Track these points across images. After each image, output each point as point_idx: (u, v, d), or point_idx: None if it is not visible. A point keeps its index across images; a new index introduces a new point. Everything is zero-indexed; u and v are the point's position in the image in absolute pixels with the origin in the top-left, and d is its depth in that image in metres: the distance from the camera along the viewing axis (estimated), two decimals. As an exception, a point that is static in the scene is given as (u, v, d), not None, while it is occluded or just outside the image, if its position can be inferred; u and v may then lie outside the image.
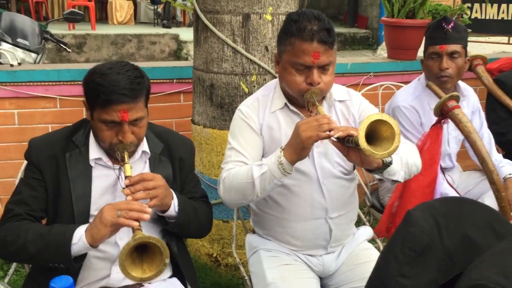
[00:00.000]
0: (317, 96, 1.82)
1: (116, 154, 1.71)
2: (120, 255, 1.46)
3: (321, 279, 2.06)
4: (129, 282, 1.75)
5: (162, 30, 10.50)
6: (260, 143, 1.94)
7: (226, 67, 2.65)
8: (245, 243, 2.17)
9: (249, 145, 1.92)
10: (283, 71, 1.89)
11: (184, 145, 1.99)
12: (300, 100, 1.88)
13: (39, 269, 1.77)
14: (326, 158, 1.94)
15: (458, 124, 2.42)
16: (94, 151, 1.80)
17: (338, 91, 2.02)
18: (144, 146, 1.86)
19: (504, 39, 6.52)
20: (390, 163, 1.77)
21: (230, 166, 1.90)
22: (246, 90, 2.64)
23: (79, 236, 1.61)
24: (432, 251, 1.41)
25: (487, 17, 6.03)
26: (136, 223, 1.55)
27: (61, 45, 4.29)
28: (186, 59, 9.36)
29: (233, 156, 1.92)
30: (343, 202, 2.00)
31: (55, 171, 1.77)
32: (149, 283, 1.79)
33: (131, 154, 1.76)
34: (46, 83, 3.24)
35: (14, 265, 2.05)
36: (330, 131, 1.67)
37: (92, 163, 1.80)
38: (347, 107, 2.01)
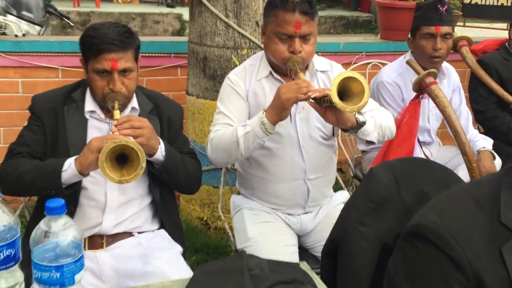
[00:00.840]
0: (299, 64, 1.97)
1: (108, 104, 1.88)
2: (99, 156, 1.61)
3: (299, 236, 2.23)
4: (120, 229, 1.94)
5: (165, 10, 10.55)
6: (246, 108, 2.10)
7: (218, 40, 2.81)
8: (230, 203, 2.34)
9: (236, 109, 2.08)
10: (268, 41, 2.04)
11: (173, 106, 2.14)
12: (284, 68, 2.03)
13: (40, 212, 1.94)
14: (307, 123, 2.10)
15: (435, 98, 2.57)
16: (89, 105, 1.97)
17: (320, 62, 2.17)
18: (134, 102, 2.01)
19: (503, 25, 6.60)
20: (364, 123, 1.92)
21: (218, 127, 2.06)
22: (237, 63, 2.80)
23: (69, 164, 1.78)
24: (390, 204, 1.58)
25: (487, 3, 6.08)
26: None
27: (64, 19, 4.44)
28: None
29: (220, 119, 2.09)
30: (321, 165, 2.16)
31: (54, 121, 1.94)
32: (139, 232, 1.97)
33: (121, 108, 1.91)
34: (49, 54, 3.40)
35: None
36: (311, 96, 1.83)
37: (87, 116, 1.96)
38: (328, 77, 2.16)
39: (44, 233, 1.04)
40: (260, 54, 2.19)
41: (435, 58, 2.75)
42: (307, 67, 2.12)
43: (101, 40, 1.84)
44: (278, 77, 2.10)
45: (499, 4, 5.93)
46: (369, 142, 2.07)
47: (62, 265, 1.04)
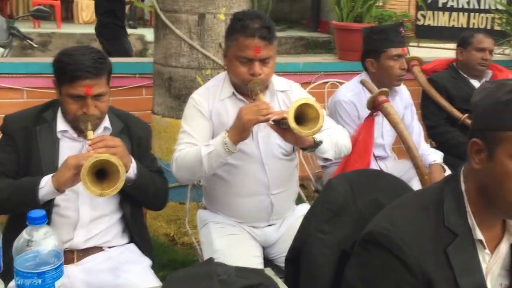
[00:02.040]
0: (259, 86, 2.10)
1: (80, 125, 1.95)
2: (82, 170, 1.69)
3: (264, 248, 2.33)
4: (90, 244, 2.01)
5: (128, 31, 10.57)
6: (209, 127, 2.20)
7: (183, 61, 2.92)
8: (197, 217, 2.42)
9: (199, 128, 2.18)
10: (230, 64, 2.16)
11: (142, 125, 2.23)
12: (245, 89, 2.15)
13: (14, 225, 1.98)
14: (268, 141, 2.21)
15: (387, 116, 2.73)
16: (61, 125, 2.03)
17: (279, 82, 2.30)
18: (106, 122, 2.09)
19: (454, 45, 6.90)
20: (321, 142, 2.06)
21: (182, 147, 2.16)
22: (202, 83, 2.90)
23: (46, 181, 1.84)
24: (347, 212, 1.70)
25: (439, 24, 6.33)
26: None
27: (28, 40, 4.47)
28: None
29: (185, 138, 2.19)
30: (283, 180, 2.27)
31: (27, 141, 1.99)
32: (108, 246, 2.04)
33: (94, 128, 1.98)
34: (14, 75, 3.43)
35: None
36: (271, 118, 1.96)
37: (59, 135, 2.02)
38: (288, 96, 2.28)
39: (26, 242, 1.11)
40: (223, 75, 2.30)
41: (402, 77, 2.94)
42: (267, 87, 2.24)
43: (75, 67, 1.90)
44: (241, 97, 2.21)
45: (451, 25, 6.20)
46: (326, 159, 2.21)
47: (44, 271, 1.11)
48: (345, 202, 1.71)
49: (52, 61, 2.01)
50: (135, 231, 2.13)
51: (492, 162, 1.27)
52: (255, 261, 2.18)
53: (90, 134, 1.92)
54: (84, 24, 11.52)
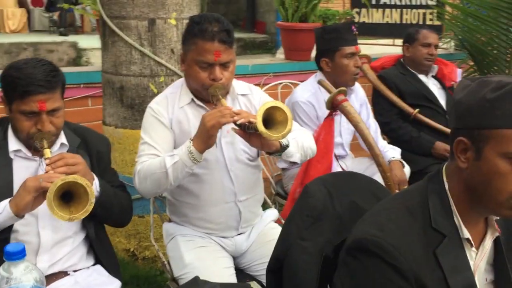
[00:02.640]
0: (220, 90, 2.04)
1: (35, 143, 1.82)
2: (47, 195, 1.56)
3: (234, 258, 2.27)
4: (55, 270, 1.88)
5: (59, 38, 10.26)
6: (170, 137, 2.11)
7: (134, 69, 2.80)
8: (163, 231, 2.33)
9: (161, 138, 2.09)
10: (188, 69, 2.08)
11: (100, 139, 2.12)
12: (205, 95, 2.08)
13: None
14: (232, 146, 2.16)
15: (347, 115, 2.73)
16: (13, 144, 1.89)
17: (240, 86, 2.25)
18: (62, 138, 1.96)
19: (390, 41, 7.11)
20: (287, 146, 2.02)
21: (144, 158, 2.06)
22: (155, 90, 2.80)
23: (3, 206, 1.69)
24: (326, 216, 1.67)
25: (374, 21, 6.48)
26: None
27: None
28: (86, 66, 9.23)
29: (146, 149, 2.09)
30: (250, 186, 2.22)
31: None
32: (74, 270, 1.92)
33: (50, 145, 1.86)
34: None
35: None
36: (235, 121, 1.90)
37: (11, 155, 1.88)
38: (249, 100, 2.24)
39: (5, 280, 1.01)
40: (180, 81, 2.23)
41: (357, 75, 2.95)
42: (228, 92, 2.18)
43: (27, 82, 1.77)
44: (201, 104, 2.14)
45: (385, 22, 6.37)
46: (292, 163, 2.18)
47: (27, 310, 1.01)
48: (324, 207, 1.68)
49: (0, 76, 1.86)
50: (101, 251, 2.02)
51: (479, 161, 1.27)
52: (228, 272, 2.13)
53: (47, 153, 1.79)
54: (11, 33, 11.06)
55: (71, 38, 10.39)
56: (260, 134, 1.87)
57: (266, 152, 2.07)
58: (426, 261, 1.30)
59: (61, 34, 10.76)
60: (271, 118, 1.89)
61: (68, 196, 1.66)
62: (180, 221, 2.26)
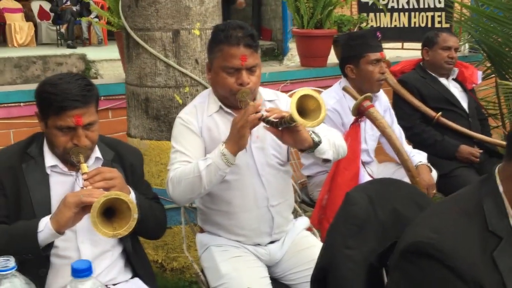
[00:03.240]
0: (248, 95, 2.04)
1: (72, 158, 1.82)
2: (91, 212, 1.56)
3: (269, 267, 2.26)
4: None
5: (67, 51, 10.26)
6: (201, 144, 2.12)
7: (159, 80, 2.81)
8: (196, 242, 2.32)
9: (192, 146, 2.10)
10: (215, 76, 2.10)
11: (133, 152, 2.13)
12: (233, 101, 2.09)
13: None
14: (263, 152, 2.16)
15: (374, 121, 2.72)
16: (50, 159, 1.89)
17: (267, 92, 2.27)
18: (97, 152, 1.97)
19: (398, 44, 7.12)
20: (320, 142, 2.01)
21: (177, 165, 2.07)
22: (180, 101, 2.80)
23: (45, 223, 1.69)
24: (369, 224, 1.66)
25: (382, 25, 6.49)
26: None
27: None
28: (96, 78, 9.25)
29: (178, 157, 2.10)
30: (281, 190, 2.22)
31: (14, 180, 1.85)
32: (113, 284, 1.92)
33: (85, 159, 1.86)
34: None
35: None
36: (262, 116, 1.90)
37: (48, 171, 1.89)
38: (276, 105, 2.23)
39: (74, 299, 1.00)
40: (207, 91, 2.25)
41: (382, 81, 2.95)
42: (255, 98, 2.18)
43: (62, 97, 1.78)
44: (229, 110, 2.15)
45: (393, 26, 6.37)
46: (325, 161, 2.15)
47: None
48: (367, 215, 1.67)
49: (35, 92, 1.86)
50: (138, 264, 2.02)
51: None
52: (264, 282, 2.13)
53: (84, 167, 1.80)
54: (19, 47, 11.10)
55: (79, 50, 10.41)
56: (292, 130, 1.89)
57: (299, 150, 2.05)
58: (484, 264, 1.29)
59: (69, 46, 10.77)
60: (303, 108, 1.87)
61: (110, 212, 1.66)
62: (212, 230, 2.25)
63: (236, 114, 2.10)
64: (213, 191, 2.14)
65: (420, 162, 2.95)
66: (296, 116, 1.79)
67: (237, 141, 1.93)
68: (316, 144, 2.01)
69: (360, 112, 2.74)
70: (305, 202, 3.17)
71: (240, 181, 2.13)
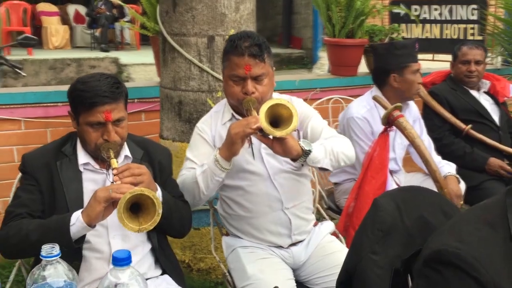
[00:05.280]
0: (254, 104, 2.08)
1: (102, 153, 1.90)
2: (118, 208, 1.63)
3: (294, 270, 2.29)
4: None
5: (101, 54, 10.51)
6: (211, 152, 2.14)
7: (193, 85, 2.88)
8: (222, 245, 2.37)
9: (201, 154, 2.18)
10: (225, 84, 2.17)
11: (162, 151, 2.19)
12: (241, 109, 2.14)
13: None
14: (274, 157, 2.19)
15: (403, 131, 2.74)
16: (82, 157, 1.98)
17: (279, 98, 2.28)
18: (126, 150, 2.04)
19: (429, 56, 7.10)
20: (309, 151, 2.02)
21: (183, 172, 2.19)
22: (212, 105, 2.87)
23: (76, 217, 1.76)
24: (396, 230, 1.69)
25: (413, 36, 6.47)
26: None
27: (16, 69, 4.36)
28: (127, 81, 9.42)
29: (187, 165, 2.20)
30: (295, 193, 2.25)
31: (48, 177, 1.93)
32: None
33: (115, 156, 1.93)
34: (11, 106, 3.33)
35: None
36: (258, 128, 1.93)
37: (81, 168, 1.97)
38: None
39: (114, 285, 1.06)
40: (225, 100, 2.30)
41: (418, 91, 3.00)
42: None
43: (92, 94, 1.86)
44: (240, 118, 2.19)
45: (424, 37, 6.35)
46: (323, 169, 2.16)
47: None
48: (394, 221, 1.70)
49: (67, 91, 1.96)
50: (165, 261, 2.08)
51: None
52: (290, 285, 2.16)
53: (114, 163, 1.87)
54: (54, 49, 11.38)
55: (112, 54, 10.64)
56: (280, 139, 1.93)
57: (291, 159, 2.07)
58: (508, 274, 1.30)
59: (103, 50, 11.02)
60: (279, 117, 1.93)
61: (136, 207, 1.72)
62: (236, 233, 2.31)
63: None
64: (229, 197, 2.23)
65: (449, 172, 2.95)
66: (263, 124, 1.87)
67: (229, 147, 1.99)
68: (306, 153, 2.02)
69: (389, 122, 2.76)
70: (331, 209, 3.20)
71: (253, 186, 2.19)
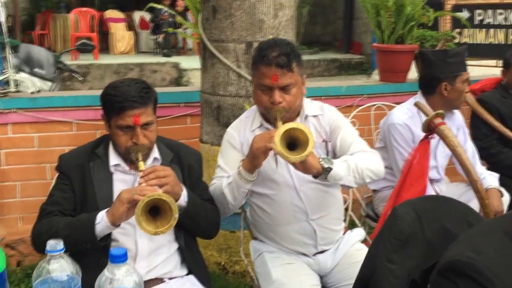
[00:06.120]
0: (281, 114, 2.08)
1: (131, 156, 1.97)
2: (136, 210, 1.70)
3: (321, 277, 2.28)
4: (152, 276, 2.00)
5: (162, 59, 10.81)
6: (240, 159, 2.16)
7: (231, 90, 2.94)
8: (250, 248, 2.40)
9: (231, 161, 2.20)
10: (254, 92, 2.19)
11: (192, 154, 2.24)
12: (269, 117, 2.15)
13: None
14: None
15: (444, 139, 2.66)
16: (113, 159, 2.06)
17: (311, 107, 2.27)
18: (155, 153, 2.11)
19: (493, 62, 6.82)
20: (330, 168, 2.00)
21: (214, 181, 2.22)
22: (250, 110, 2.91)
23: (101, 216, 1.85)
24: (415, 241, 1.66)
25: (476, 42, 6.26)
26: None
27: (74, 74, 4.59)
28: (186, 86, 9.64)
29: (218, 172, 2.24)
30: (322, 204, 2.23)
31: (81, 178, 2.03)
32: (169, 278, 2.04)
33: (144, 159, 2.00)
34: (64, 109, 3.51)
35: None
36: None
37: (112, 169, 2.06)
38: (319, 120, 2.25)
39: (109, 280, 1.11)
40: (256, 106, 2.30)
41: (465, 99, 2.96)
42: (298, 113, 2.21)
43: (122, 98, 1.93)
44: (269, 127, 2.20)
45: (488, 42, 6.13)
46: (347, 186, 2.14)
47: (127, 309, 1.10)
48: (413, 231, 1.67)
49: (100, 95, 2.05)
50: (191, 262, 2.12)
51: None
52: (314, 290, 2.15)
53: (141, 165, 1.94)
54: (120, 54, 11.82)
55: (174, 59, 10.91)
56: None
57: (313, 176, 2.05)
58: None
59: (165, 55, 11.33)
60: (296, 139, 1.93)
61: (156, 210, 1.78)
62: (262, 238, 2.33)
63: None
64: (256, 203, 2.26)
65: (490, 185, 2.85)
66: (277, 148, 1.87)
67: (251, 160, 2.01)
68: (326, 170, 2.00)
69: (430, 129, 2.70)
70: (369, 216, 3.16)
71: (278, 195, 2.20)
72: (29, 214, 3.48)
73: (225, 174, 2.18)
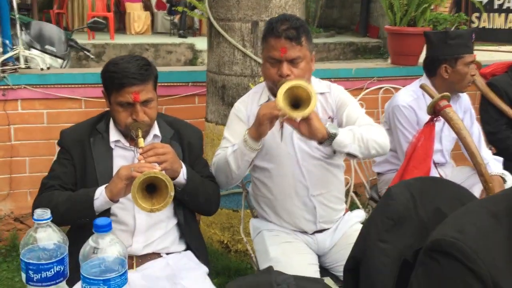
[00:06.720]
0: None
1: (131, 132, 1.99)
2: (132, 188, 1.72)
3: (319, 257, 2.30)
4: (149, 251, 2.03)
5: (178, 40, 10.80)
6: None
7: (236, 69, 2.93)
8: (249, 226, 2.42)
9: (236, 133, 2.21)
10: (262, 66, 2.20)
11: (192, 131, 2.25)
12: (277, 90, 2.11)
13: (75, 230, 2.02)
14: (305, 143, 2.19)
15: (449, 121, 2.64)
16: (114, 135, 2.08)
17: (319, 84, 2.28)
18: (156, 130, 2.12)
19: (511, 47, 6.70)
20: (335, 134, 2.00)
21: (218, 151, 2.23)
22: (255, 90, 2.91)
23: (100, 192, 1.89)
24: (408, 221, 1.65)
25: (495, 27, 6.16)
26: None
27: (85, 52, 4.61)
28: (201, 66, 9.63)
29: (222, 143, 2.25)
30: (323, 181, 2.24)
31: (82, 153, 2.06)
32: (166, 253, 2.07)
33: (144, 135, 2.02)
34: (73, 86, 3.54)
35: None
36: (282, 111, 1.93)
37: (112, 145, 2.08)
38: (326, 99, 2.26)
39: (92, 249, 1.13)
40: (265, 82, 2.31)
41: (470, 83, 2.91)
42: None
43: (122, 75, 1.95)
44: None
45: (507, 27, 6.02)
46: (351, 156, 2.12)
47: (109, 278, 1.13)
48: (406, 211, 1.67)
49: (100, 72, 2.06)
50: (190, 237, 2.14)
51: None
52: (312, 269, 2.17)
53: (141, 142, 1.96)
54: (136, 34, 11.83)
55: (189, 40, 10.90)
56: (306, 121, 1.92)
57: (318, 143, 2.05)
58: (508, 268, 1.25)
59: (180, 36, 11.31)
60: (299, 100, 1.93)
61: (153, 188, 1.80)
62: (263, 214, 2.34)
63: None
64: (258, 178, 2.27)
65: (493, 173, 2.82)
66: (280, 102, 1.87)
67: (257, 127, 2.01)
68: (331, 136, 2.00)
69: (435, 111, 2.67)
70: (374, 199, 3.15)
71: (280, 169, 2.21)
72: (37, 189, 3.53)
73: (229, 145, 2.18)
